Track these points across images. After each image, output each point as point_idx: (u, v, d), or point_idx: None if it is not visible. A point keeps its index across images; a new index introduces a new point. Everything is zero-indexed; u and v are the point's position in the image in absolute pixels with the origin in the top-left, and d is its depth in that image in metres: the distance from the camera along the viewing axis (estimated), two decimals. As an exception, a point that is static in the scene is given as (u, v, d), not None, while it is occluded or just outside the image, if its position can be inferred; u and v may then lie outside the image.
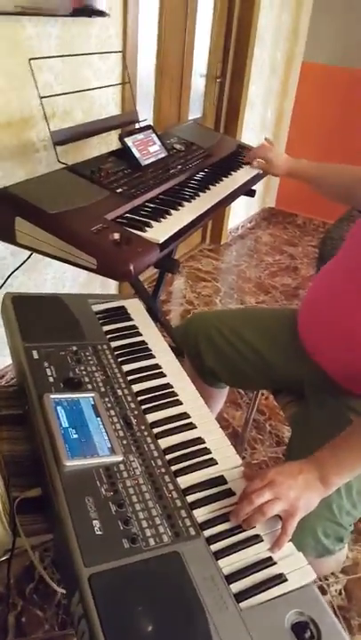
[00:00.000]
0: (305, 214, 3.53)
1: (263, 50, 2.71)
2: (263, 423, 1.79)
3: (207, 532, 0.66)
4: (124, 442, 0.76)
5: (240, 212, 3.22)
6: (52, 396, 0.78)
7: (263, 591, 0.61)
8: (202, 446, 0.79)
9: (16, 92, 1.39)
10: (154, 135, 1.41)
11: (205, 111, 2.62)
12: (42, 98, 1.21)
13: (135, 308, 1.09)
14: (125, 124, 1.51)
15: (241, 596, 0.60)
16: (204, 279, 2.71)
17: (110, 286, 2.15)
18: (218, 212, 1.27)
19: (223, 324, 1.18)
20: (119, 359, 0.92)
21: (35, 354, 0.88)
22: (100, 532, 0.62)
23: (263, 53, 2.73)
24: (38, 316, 0.98)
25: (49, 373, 0.84)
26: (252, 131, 2.92)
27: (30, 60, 1.21)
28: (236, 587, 0.61)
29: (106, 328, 1.00)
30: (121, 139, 1.31)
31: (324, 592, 1.27)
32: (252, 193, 1.59)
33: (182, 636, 0.54)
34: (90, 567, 0.58)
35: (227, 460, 0.78)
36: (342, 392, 0.97)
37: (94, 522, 0.63)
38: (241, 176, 1.50)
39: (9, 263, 1.58)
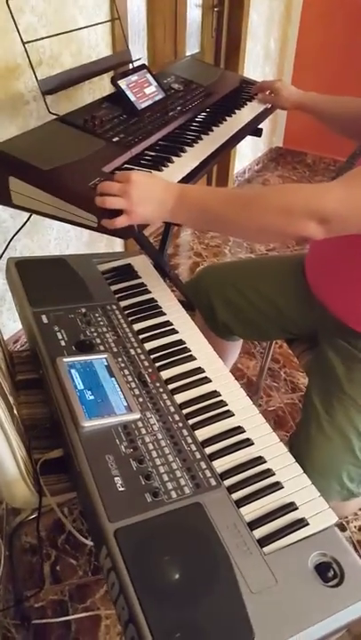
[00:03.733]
0: (314, 152, 3.36)
1: (262, -30, 2.49)
2: (278, 371, 1.79)
3: (228, 482, 0.67)
4: (140, 399, 0.76)
5: (247, 154, 3.08)
6: (65, 360, 0.78)
7: (286, 535, 0.62)
8: (218, 399, 0.79)
9: (-2, 40, 1.29)
10: (149, 75, 1.31)
11: (203, 45, 2.45)
12: (25, 43, 1.13)
13: (142, 264, 1.07)
14: (118, 65, 1.41)
15: (264, 541, 0.61)
16: (211, 229, 2.64)
17: (116, 244, 2.10)
18: (224, 155, 1.21)
19: (235, 276, 1.16)
20: (129, 318, 0.91)
21: (44, 318, 0.87)
22: (122, 489, 0.63)
23: (263, -26, 2.51)
24: (44, 280, 0.97)
25: (60, 337, 0.84)
26: (256, 63, 2.74)
27: (7, 0, 1.11)
28: (259, 532, 0.62)
29: (114, 287, 0.99)
30: (114, 81, 1.22)
31: (343, 529, 1.31)
32: (258, 132, 1.50)
33: (208, 581, 0.56)
34: (115, 522, 0.59)
35: (243, 410, 0.78)
36: (355, 335, 0.96)
37: (116, 479, 0.64)
38: (246, 114, 1.41)
39: (9, 226, 1.54)
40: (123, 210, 0.83)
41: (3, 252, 1.51)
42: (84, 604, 1.12)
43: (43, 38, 1.32)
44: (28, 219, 1.43)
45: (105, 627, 1.10)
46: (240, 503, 0.65)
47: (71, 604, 1.12)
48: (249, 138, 1.48)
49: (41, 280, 0.96)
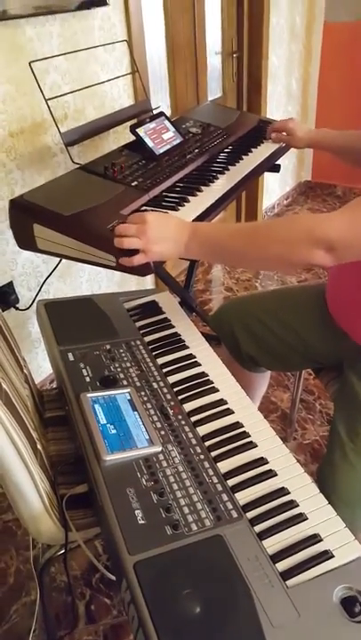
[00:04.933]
0: (344, 184, 3.36)
1: (280, 16, 2.59)
2: (313, 403, 1.75)
3: (250, 514, 0.66)
4: (162, 432, 0.77)
5: (274, 190, 3.11)
6: (89, 395, 0.80)
7: (310, 568, 0.60)
8: (240, 430, 0.79)
9: (25, 98, 1.39)
10: (167, 122, 1.39)
11: (225, 89, 2.55)
12: (48, 100, 1.21)
13: (166, 301, 1.10)
14: (138, 114, 1.49)
15: (287, 574, 0.59)
16: (241, 263, 2.66)
17: (147, 282, 2.15)
18: (247, 191, 1.25)
19: (256, 307, 1.17)
20: (153, 353, 0.93)
21: (70, 356, 0.91)
22: (142, 521, 0.64)
23: (280, 20, 2.61)
24: (71, 320, 1.01)
25: (85, 373, 0.87)
26: (278, 103, 2.81)
27: (30, 63, 1.20)
28: (282, 565, 0.61)
29: (138, 324, 1.02)
30: (132, 130, 1.30)
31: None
32: (276, 168, 1.54)
33: (228, 615, 0.55)
34: (134, 555, 0.60)
35: (267, 441, 0.77)
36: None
37: (136, 511, 0.65)
38: (262, 152, 1.45)
39: (42, 271, 1.61)
40: (139, 249, 0.87)
41: (35, 296, 1.59)
42: (118, 645, 1.11)
43: (64, 94, 1.42)
44: (58, 263, 1.50)
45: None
46: (263, 535, 0.63)
47: (106, 645, 1.11)
48: (276, 174, 1.51)
49: (68, 319, 1.00)
